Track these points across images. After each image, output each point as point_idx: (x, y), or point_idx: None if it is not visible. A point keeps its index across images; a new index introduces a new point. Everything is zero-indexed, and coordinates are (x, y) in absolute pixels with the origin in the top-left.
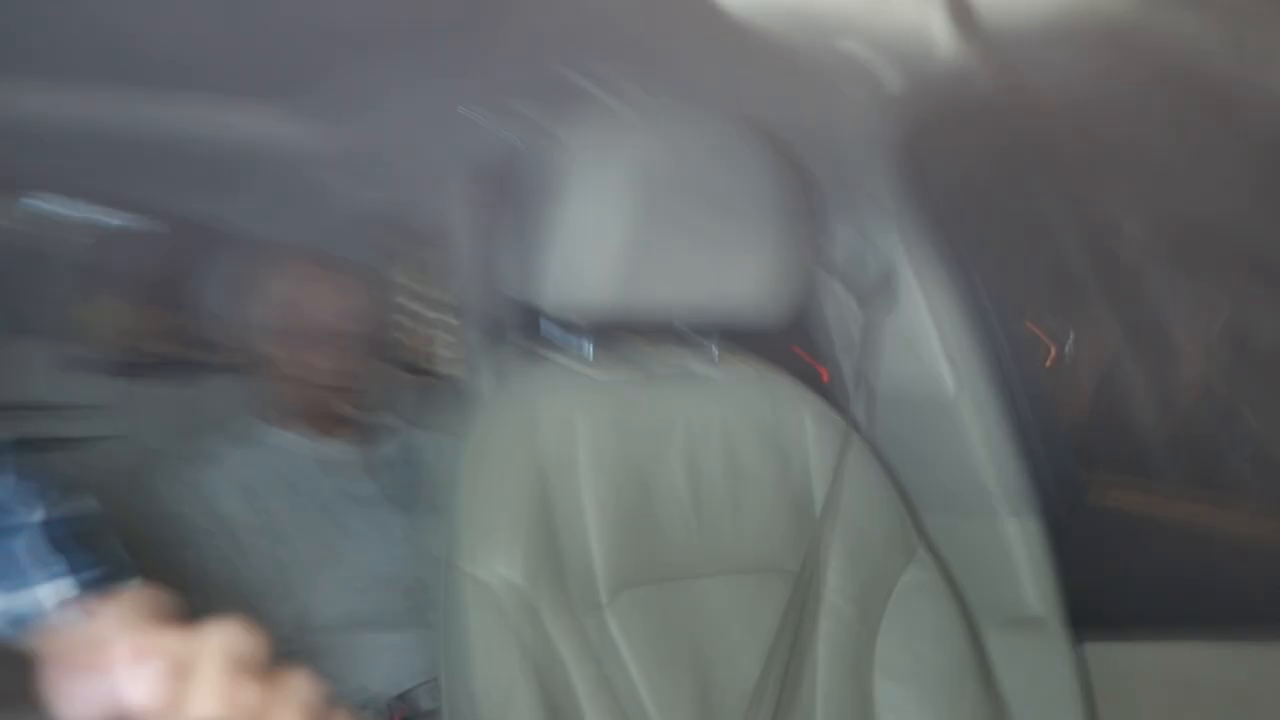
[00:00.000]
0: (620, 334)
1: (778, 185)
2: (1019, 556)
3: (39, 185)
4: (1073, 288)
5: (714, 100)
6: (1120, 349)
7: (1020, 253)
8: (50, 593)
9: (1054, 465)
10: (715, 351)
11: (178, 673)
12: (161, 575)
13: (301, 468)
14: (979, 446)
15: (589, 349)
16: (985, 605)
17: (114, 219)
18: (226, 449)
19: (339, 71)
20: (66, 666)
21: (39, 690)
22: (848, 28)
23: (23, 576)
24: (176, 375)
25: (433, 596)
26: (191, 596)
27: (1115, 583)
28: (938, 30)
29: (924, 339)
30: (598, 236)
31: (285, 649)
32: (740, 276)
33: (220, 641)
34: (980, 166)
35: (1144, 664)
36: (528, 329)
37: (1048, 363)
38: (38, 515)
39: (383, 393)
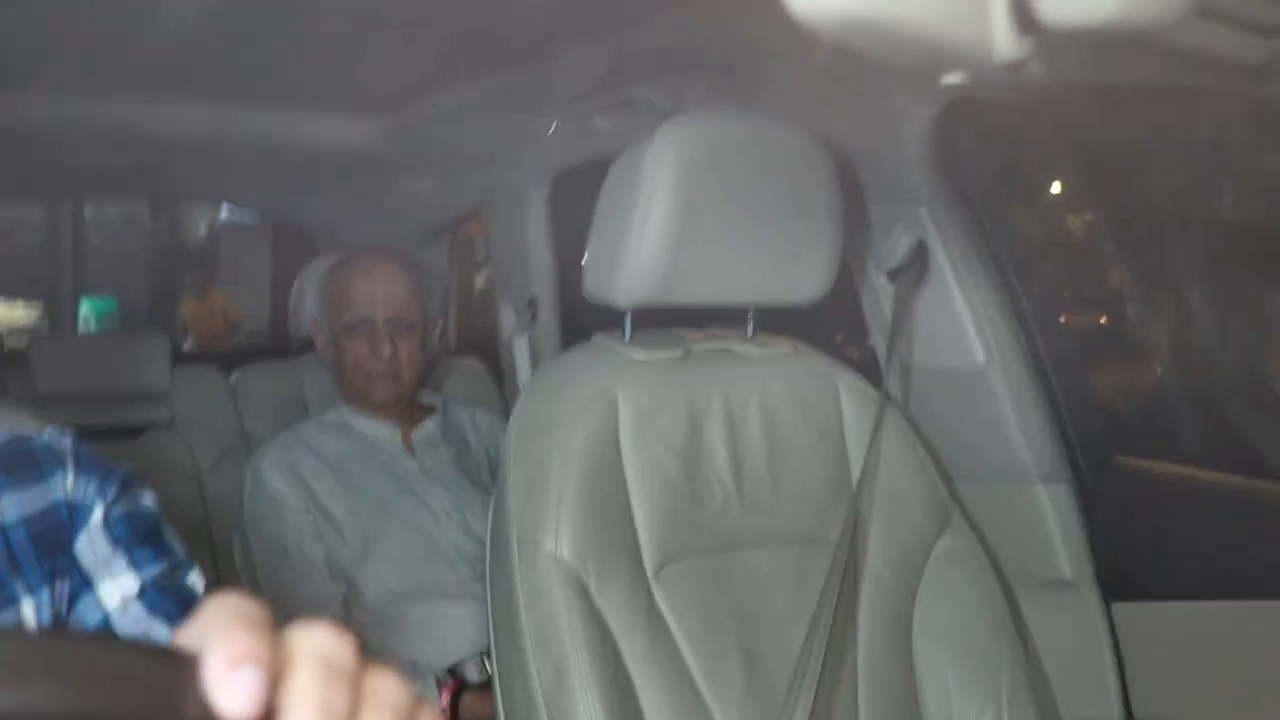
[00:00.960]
0: (661, 315)
1: (821, 171)
2: (1051, 521)
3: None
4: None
5: (766, 99)
6: (1150, 321)
7: (1050, 230)
8: (112, 590)
9: (1083, 432)
10: (752, 330)
11: (273, 679)
12: (247, 552)
13: (372, 448)
14: (1010, 415)
15: (630, 330)
16: (1019, 569)
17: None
18: (315, 433)
19: (426, 89)
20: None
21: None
22: (904, 29)
23: (100, 575)
24: (272, 364)
25: (482, 570)
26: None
27: (1145, 545)
28: (997, 30)
29: (954, 312)
30: (646, 225)
31: (353, 623)
32: (777, 257)
33: (314, 645)
34: (1013, 147)
35: (1175, 623)
36: (576, 313)
37: (1076, 333)
38: (98, 512)
39: (439, 372)
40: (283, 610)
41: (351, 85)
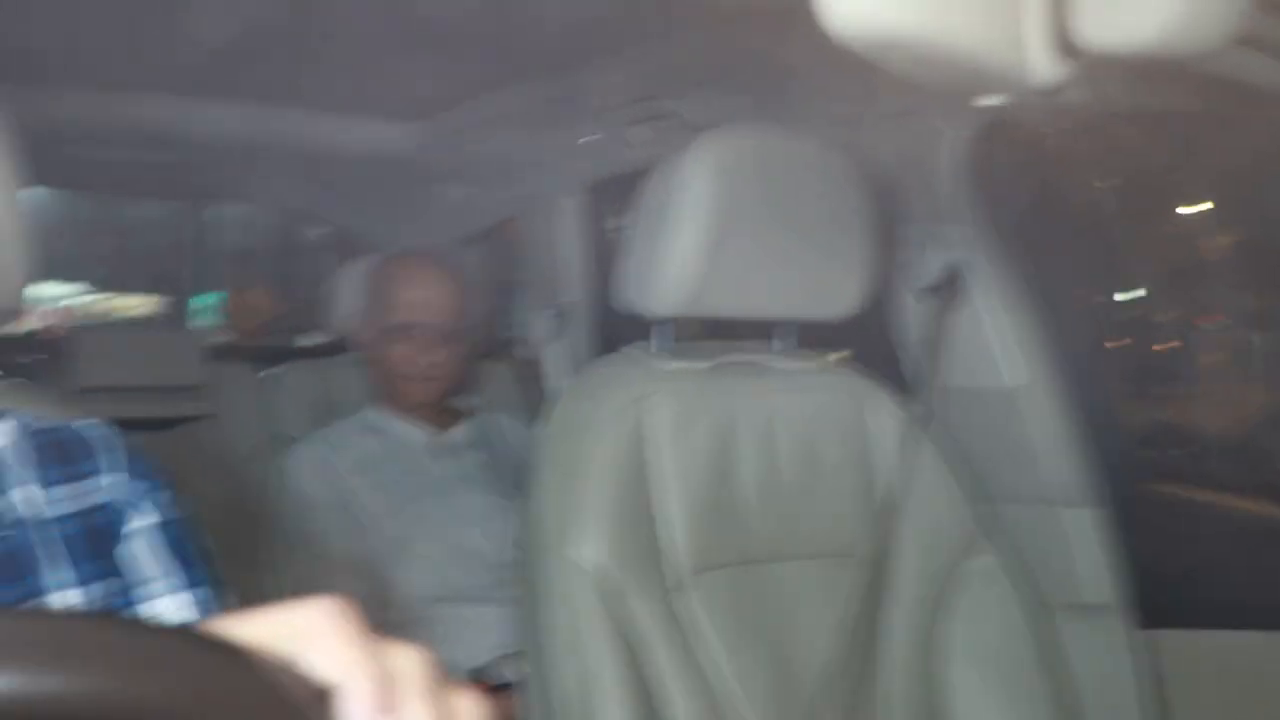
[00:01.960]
0: (698, 327)
1: (854, 188)
2: (1081, 544)
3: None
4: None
5: (800, 115)
6: (1184, 349)
7: (1083, 253)
8: (172, 606)
9: (1115, 456)
10: (789, 345)
11: (387, 690)
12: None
13: (405, 450)
14: (1039, 438)
15: (669, 340)
16: (1049, 591)
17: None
18: (348, 433)
19: (463, 97)
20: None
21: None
22: (942, 52)
23: (145, 585)
24: (308, 364)
25: (514, 574)
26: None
27: (1177, 572)
28: (1034, 54)
29: (989, 334)
30: (680, 237)
31: (389, 622)
32: (814, 274)
33: (416, 660)
34: (1049, 172)
35: (1205, 652)
36: (612, 323)
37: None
38: (145, 520)
39: (472, 378)
40: None
41: (390, 91)
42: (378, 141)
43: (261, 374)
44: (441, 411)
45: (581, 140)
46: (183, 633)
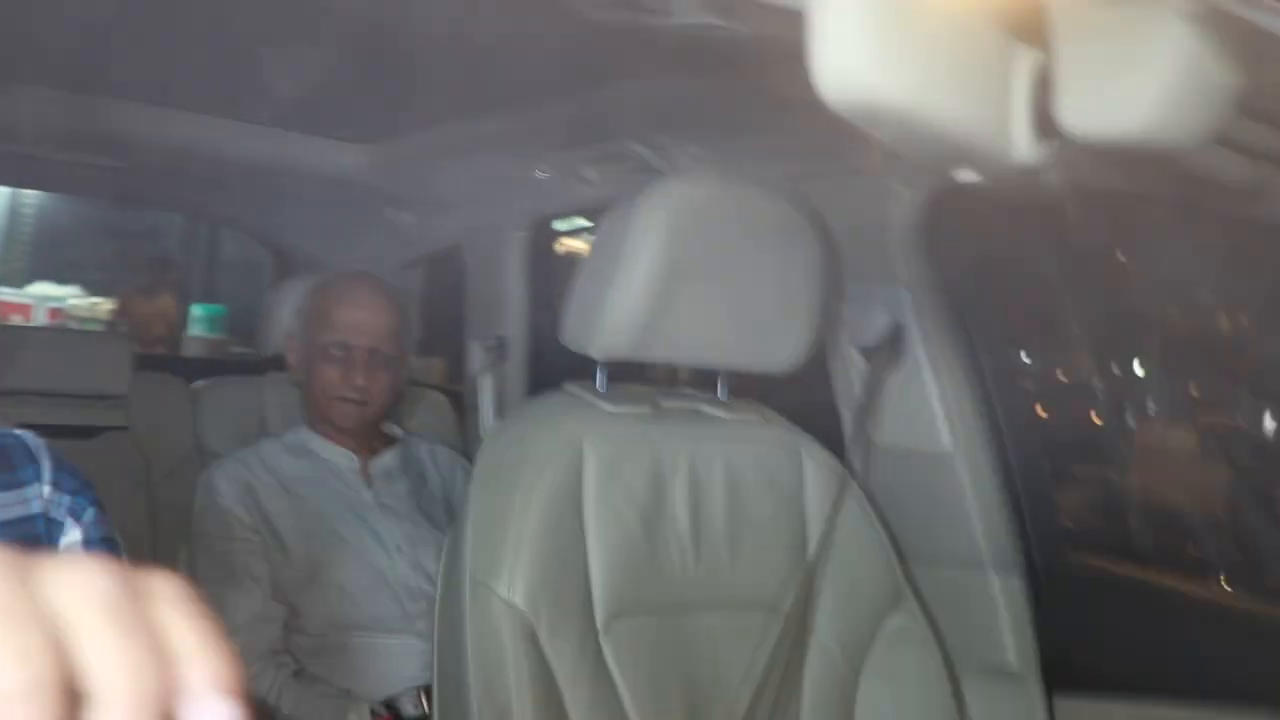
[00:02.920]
0: (634, 371)
1: (806, 242)
2: (1000, 611)
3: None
4: (1068, 359)
5: (756, 166)
6: (1110, 420)
7: (1021, 323)
8: None
9: (1040, 526)
10: (724, 395)
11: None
12: (192, 565)
13: (331, 473)
14: (969, 501)
15: (603, 382)
16: (966, 655)
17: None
18: (274, 453)
19: (419, 125)
20: None
21: None
22: (929, 125)
23: None
24: (241, 379)
25: (428, 607)
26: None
27: (1091, 642)
28: (1017, 135)
29: (924, 395)
30: (629, 280)
31: (292, 647)
32: (754, 324)
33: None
34: (992, 241)
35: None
36: (549, 362)
37: (1039, 428)
38: (75, 534)
39: (399, 406)
40: (221, 626)
41: (346, 112)
42: (326, 161)
43: (193, 385)
44: (372, 436)
45: (535, 174)
46: None
